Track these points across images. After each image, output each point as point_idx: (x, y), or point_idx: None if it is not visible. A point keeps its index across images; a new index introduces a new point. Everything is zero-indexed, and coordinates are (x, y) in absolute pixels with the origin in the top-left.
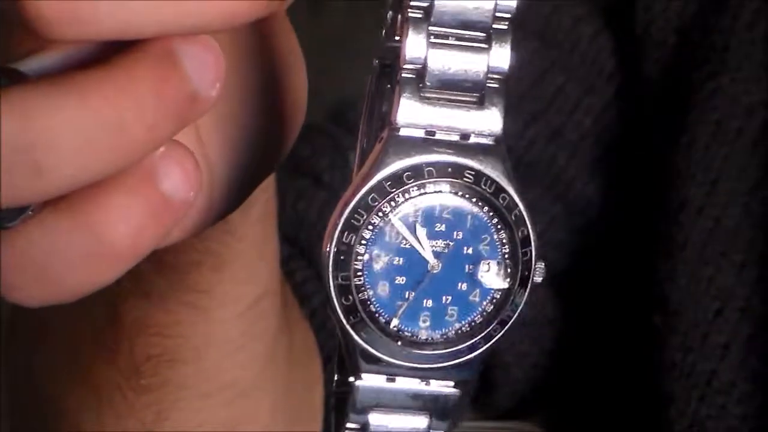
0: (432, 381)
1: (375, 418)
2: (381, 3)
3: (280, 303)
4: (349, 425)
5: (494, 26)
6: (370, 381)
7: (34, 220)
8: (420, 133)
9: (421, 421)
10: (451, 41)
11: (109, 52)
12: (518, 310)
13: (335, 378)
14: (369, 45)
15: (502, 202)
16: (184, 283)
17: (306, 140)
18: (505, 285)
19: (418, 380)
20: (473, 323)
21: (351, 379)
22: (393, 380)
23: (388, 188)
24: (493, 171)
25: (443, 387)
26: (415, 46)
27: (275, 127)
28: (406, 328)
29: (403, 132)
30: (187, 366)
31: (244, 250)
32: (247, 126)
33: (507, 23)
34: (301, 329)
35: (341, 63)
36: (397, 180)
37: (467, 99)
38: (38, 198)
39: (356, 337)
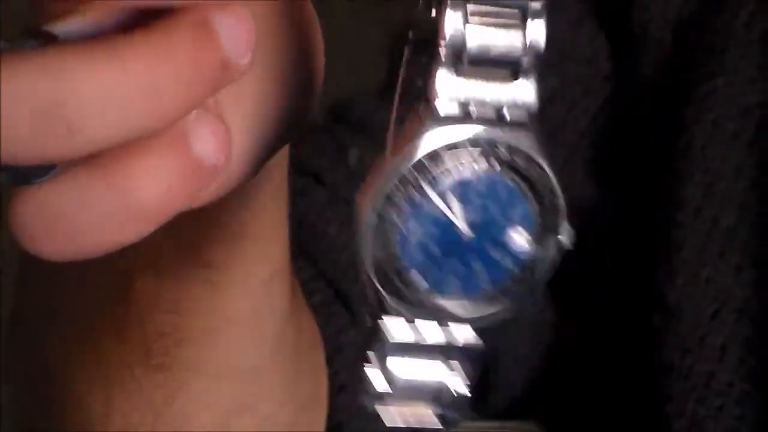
0: (454, 330)
1: (396, 364)
2: (381, 4)
3: (289, 287)
4: (369, 371)
5: (531, 3)
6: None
7: (63, 176)
8: (456, 108)
9: (443, 370)
10: (488, 18)
11: (138, 21)
12: (544, 273)
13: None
14: (369, 44)
15: (534, 174)
16: (198, 257)
17: (306, 139)
18: (532, 250)
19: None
20: (504, 287)
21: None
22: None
23: (424, 162)
24: (526, 144)
25: (467, 337)
26: (453, 21)
27: (293, 94)
28: (438, 297)
29: (439, 106)
30: (197, 345)
31: (258, 227)
32: (265, 91)
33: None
34: (308, 319)
35: (341, 62)
36: (434, 154)
37: (503, 74)
38: (68, 156)
39: (392, 307)
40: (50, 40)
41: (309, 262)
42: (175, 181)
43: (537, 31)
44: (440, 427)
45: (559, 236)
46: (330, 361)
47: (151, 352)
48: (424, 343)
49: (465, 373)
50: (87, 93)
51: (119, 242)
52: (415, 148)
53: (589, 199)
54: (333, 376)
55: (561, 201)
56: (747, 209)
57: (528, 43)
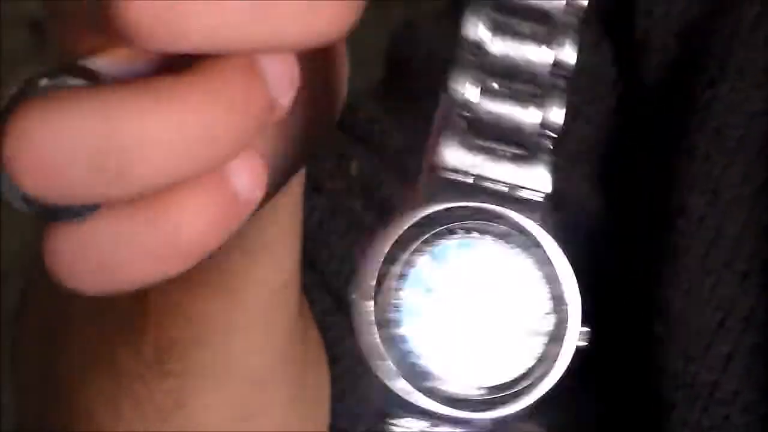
0: None
1: None
2: (382, 5)
3: (298, 298)
4: None
5: (552, 80)
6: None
7: (105, 214)
8: (465, 178)
9: None
10: (503, 90)
11: (174, 60)
12: (556, 369)
13: None
14: (369, 44)
15: (533, 256)
16: (213, 263)
17: None
18: (541, 341)
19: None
20: (508, 378)
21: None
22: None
23: (424, 228)
24: (534, 225)
25: None
26: (470, 93)
27: (318, 115)
28: (439, 375)
29: (443, 173)
30: (210, 351)
31: (273, 235)
32: (293, 112)
33: (564, 77)
34: (313, 332)
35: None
36: (435, 221)
37: (516, 152)
38: (115, 199)
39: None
40: (90, 77)
41: (309, 270)
42: (216, 217)
43: (555, 111)
44: None
45: (569, 334)
46: (330, 368)
47: (164, 359)
48: None
49: None
50: (140, 137)
51: (157, 277)
52: (412, 212)
53: (593, 207)
54: (333, 384)
55: (570, 291)
56: (752, 217)
57: (543, 122)
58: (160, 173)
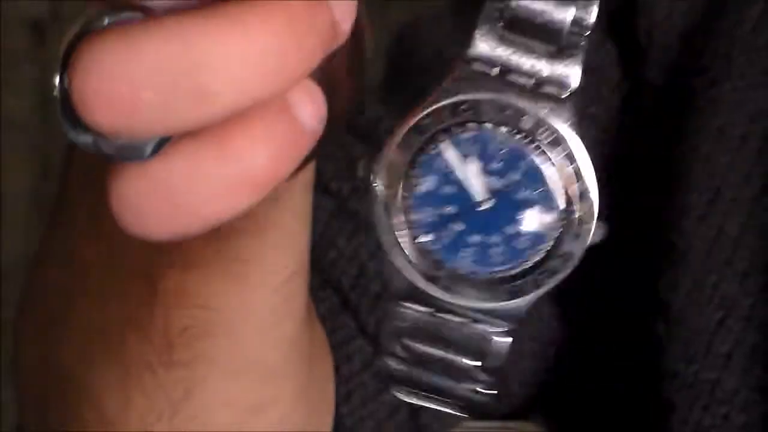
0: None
1: (413, 348)
2: (383, 5)
3: (306, 290)
4: (387, 350)
5: None
6: (411, 309)
7: (172, 150)
8: (492, 71)
9: (463, 362)
10: None
11: None
12: (569, 264)
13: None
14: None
15: (558, 154)
16: (225, 249)
17: None
18: (555, 235)
19: (462, 318)
20: (520, 268)
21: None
22: (434, 315)
23: (445, 116)
24: (558, 121)
25: (487, 330)
26: None
27: (341, 93)
28: (448, 259)
29: (475, 66)
30: (219, 340)
31: (284, 221)
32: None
33: None
34: (319, 329)
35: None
36: (455, 110)
37: (546, 47)
38: (194, 125)
39: (396, 258)
40: (147, 12)
41: (314, 270)
42: (283, 145)
43: (587, 7)
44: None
45: (588, 231)
46: (337, 369)
47: (173, 347)
48: (444, 332)
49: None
50: (218, 58)
51: (227, 213)
52: (436, 98)
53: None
54: (340, 385)
55: (592, 188)
56: (754, 217)
57: (575, 19)
58: (239, 93)
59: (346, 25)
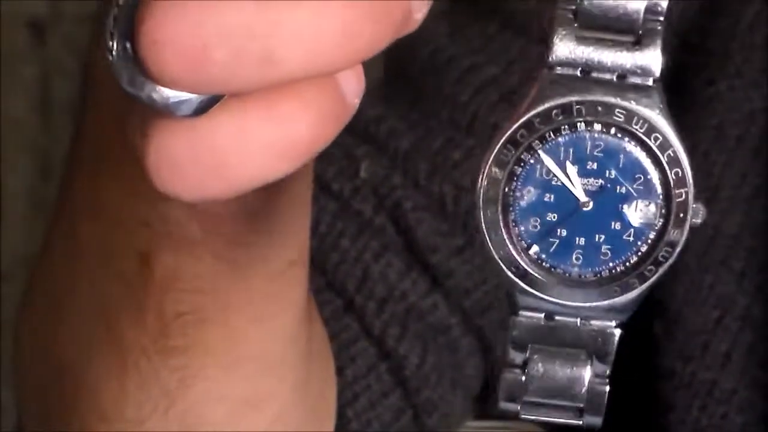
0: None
1: (534, 356)
2: None
3: (305, 281)
4: (510, 362)
5: None
6: (527, 317)
7: (219, 109)
8: (575, 72)
9: (583, 365)
10: None
11: None
12: (675, 252)
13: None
14: None
15: (654, 141)
16: (219, 233)
17: None
18: (658, 225)
19: (577, 318)
20: (627, 263)
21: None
22: (551, 319)
23: (537, 124)
24: (647, 110)
25: (603, 325)
26: None
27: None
28: (558, 265)
29: (558, 70)
30: (215, 327)
31: (281, 207)
32: None
33: None
34: (318, 326)
35: None
36: (547, 117)
37: (624, 39)
38: (260, 86)
39: (507, 272)
40: None
41: (317, 271)
42: (325, 114)
43: None
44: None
45: (688, 211)
46: (342, 371)
47: (168, 333)
48: (562, 336)
49: (605, 365)
50: (291, 28)
51: (266, 177)
52: (526, 109)
53: None
54: (346, 387)
55: (689, 172)
56: (750, 216)
57: (648, 7)
58: (304, 63)
59: (419, 15)
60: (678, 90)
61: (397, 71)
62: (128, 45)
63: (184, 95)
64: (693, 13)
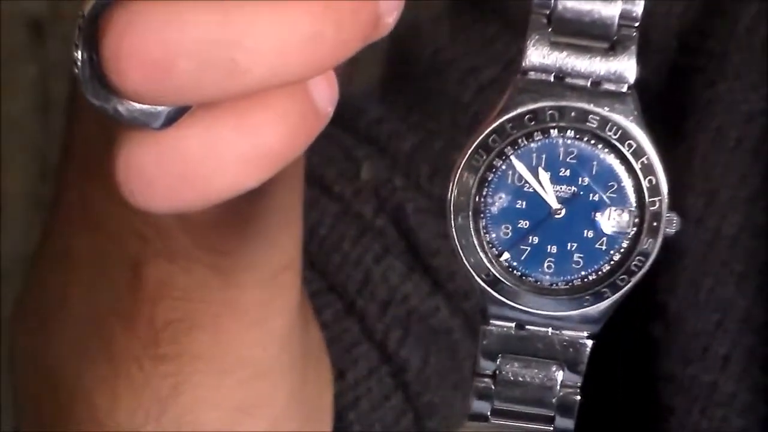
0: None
1: (506, 365)
2: None
3: (299, 285)
4: (480, 371)
5: None
6: (498, 326)
7: (189, 120)
8: (548, 77)
9: (554, 372)
10: None
11: None
12: (648, 261)
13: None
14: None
15: (628, 148)
16: (208, 242)
17: (311, 148)
18: (631, 234)
19: (548, 328)
20: (600, 272)
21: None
22: (522, 328)
23: (509, 130)
24: (621, 117)
25: (574, 335)
26: None
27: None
28: (529, 273)
29: (531, 75)
30: (206, 334)
31: (270, 213)
32: None
33: None
34: (314, 329)
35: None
36: (519, 122)
37: (598, 45)
38: (226, 96)
39: (478, 280)
40: None
41: (318, 274)
42: (298, 126)
43: (635, 2)
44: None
45: (662, 220)
46: (343, 374)
47: (160, 340)
48: (533, 346)
49: (577, 375)
50: (256, 37)
51: (239, 187)
52: (498, 114)
53: None
54: (348, 390)
55: (663, 180)
56: (750, 218)
57: (623, 13)
58: (270, 72)
59: (390, 18)
60: (677, 92)
61: (396, 72)
62: (94, 56)
63: (151, 107)
64: (692, 15)
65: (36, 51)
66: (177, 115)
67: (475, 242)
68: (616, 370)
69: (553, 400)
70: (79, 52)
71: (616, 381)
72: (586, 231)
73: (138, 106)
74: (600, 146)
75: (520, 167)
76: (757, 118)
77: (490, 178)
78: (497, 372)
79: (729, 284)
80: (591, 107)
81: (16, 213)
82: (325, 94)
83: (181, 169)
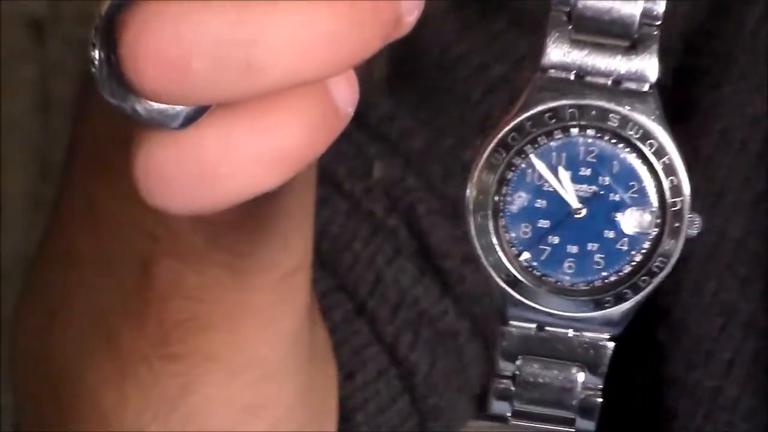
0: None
1: (526, 366)
2: None
3: (308, 286)
4: (500, 372)
5: None
6: (518, 327)
7: (207, 121)
8: (568, 75)
9: (575, 374)
10: None
11: None
12: (670, 262)
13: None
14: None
15: (649, 148)
16: (220, 242)
17: None
18: (652, 234)
19: (569, 330)
20: (621, 273)
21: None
22: (542, 329)
23: (528, 128)
24: (642, 116)
25: (595, 337)
26: None
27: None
28: (549, 274)
29: (551, 73)
30: (216, 334)
31: (284, 214)
32: None
33: None
34: (321, 331)
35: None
36: (539, 120)
37: (619, 43)
38: (244, 96)
39: (497, 280)
40: None
41: (328, 273)
42: (317, 125)
43: (656, 1)
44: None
45: (684, 221)
46: (352, 375)
47: (169, 340)
48: (553, 347)
49: (598, 377)
50: (273, 35)
51: (256, 189)
52: (518, 112)
53: None
54: (356, 391)
55: (685, 181)
56: (755, 221)
57: (644, 11)
58: (288, 72)
59: (411, 18)
60: (682, 94)
61: (403, 68)
62: (111, 56)
63: (170, 107)
64: (698, 17)
65: (36, 51)
66: (196, 115)
67: (495, 242)
68: (619, 372)
69: (574, 402)
70: (97, 52)
71: (620, 384)
72: (606, 231)
73: (156, 105)
74: (621, 145)
75: (540, 166)
76: (762, 121)
77: (509, 177)
78: (517, 373)
79: (733, 288)
80: (612, 106)
81: (16, 213)
82: (345, 94)
83: (199, 170)
